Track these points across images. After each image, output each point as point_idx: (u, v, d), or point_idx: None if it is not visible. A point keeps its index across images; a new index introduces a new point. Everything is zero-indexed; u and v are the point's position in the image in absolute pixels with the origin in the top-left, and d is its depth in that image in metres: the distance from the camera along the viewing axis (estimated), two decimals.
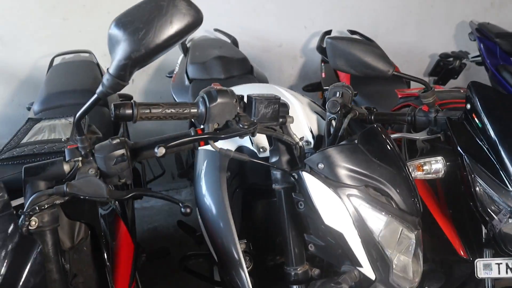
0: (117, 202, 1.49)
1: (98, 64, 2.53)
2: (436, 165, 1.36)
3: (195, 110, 1.05)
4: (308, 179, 1.10)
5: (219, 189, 1.36)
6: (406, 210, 1.12)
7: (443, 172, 1.37)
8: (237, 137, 1.38)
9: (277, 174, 1.20)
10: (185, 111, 1.05)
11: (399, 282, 1.15)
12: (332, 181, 1.08)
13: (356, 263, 1.10)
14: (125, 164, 1.05)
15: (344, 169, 1.09)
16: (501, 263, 1.36)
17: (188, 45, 2.65)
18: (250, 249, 1.43)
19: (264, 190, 1.37)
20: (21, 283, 0.92)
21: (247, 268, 1.40)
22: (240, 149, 1.40)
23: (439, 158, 1.36)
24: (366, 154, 1.12)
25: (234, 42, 2.79)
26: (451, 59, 2.99)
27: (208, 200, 1.41)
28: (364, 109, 1.60)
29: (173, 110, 1.04)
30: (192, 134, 1.08)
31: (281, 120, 1.13)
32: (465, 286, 1.79)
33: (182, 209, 1.04)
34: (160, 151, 1.00)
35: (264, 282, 1.45)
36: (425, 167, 1.36)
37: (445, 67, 3.02)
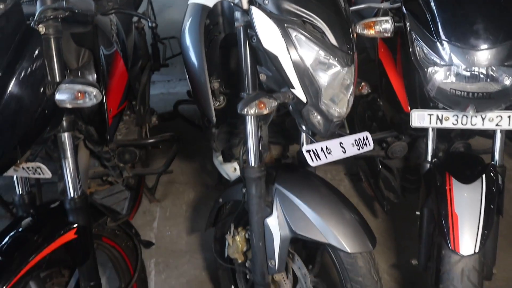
0: (118, 45, 1.79)
1: None
2: (385, 25, 1.54)
3: None
4: (255, 12, 1.32)
5: (197, 34, 1.62)
6: (338, 46, 1.33)
7: (391, 31, 1.54)
8: None
9: (238, 13, 1.43)
10: None
11: (329, 109, 1.39)
12: (274, 14, 1.30)
13: (290, 85, 1.34)
14: None
15: (285, 5, 1.30)
16: (432, 114, 1.55)
17: None
18: (223, 88, 1.71)
19: None
20: (23, 64, 1.22)
21: (220, 104, 1.69)
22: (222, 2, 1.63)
23: (388, 18, 1.53)
24: None
25: None
26: None
27: (189, 48, 1.67)
28: None
29: None
30: None
31: None
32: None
33: (149, 23, 1.32)
34: None
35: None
36: (375, 27, 1.54)
37: None
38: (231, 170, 2.13)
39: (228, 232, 1.68)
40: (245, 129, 1.46)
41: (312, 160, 1.38)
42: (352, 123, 2.44)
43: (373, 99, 2.18)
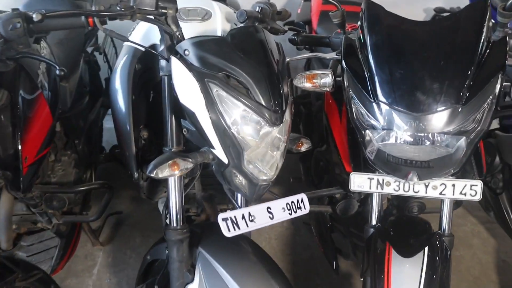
0: (46, 87, 1.66)
1: None
2: (325, 79, 1.43)
3: None
4: (175, 63, 1.21)
5: (126, 78, 1.51)
6: (264, 104, 1.21)
7: (331, 86, 1.44)
8: (152, 37, 1.53)
9: (163, 62, 1.32)
10: None
11: (253, 172, 1.26)
12: (194, 67, 1.19)
13: (209, 144, 1.22)
14: (21, 31, 1.20)
15: (207, 57, 1.19)
16: (373, 178, 1.43)
17: None
18: (154, 138, 1.59)
19: None
20: None
21: (150, 153, 1.57)
22: (153, 47, 1.52)
23: (328, 71, 1.43)
24: (231, 47, 1.22)
25: None
26: (446, 14, 2.93)
27: (117, 91, 1.56)
28: (289, 29, 1.68)
29: None
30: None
31: (161, 10, 1.23)
32: None
33: (57, 71, 1.20)
34: (37, 16, 1.15)
35: None
36: (315, 80, 1.44)
37: None
38: None
39: None
40: (167, 189, 1.33)
41: (229, 230, 1.24)
42: (308, 169, 2.32)
43: (326, 150, 2.06)
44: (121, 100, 1.50)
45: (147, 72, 1.56)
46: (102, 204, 1.86)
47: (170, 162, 1.19)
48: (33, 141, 1.49)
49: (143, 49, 1.51)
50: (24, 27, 1.20)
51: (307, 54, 1.60)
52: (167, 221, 1.38)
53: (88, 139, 2.26)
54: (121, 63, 1.57)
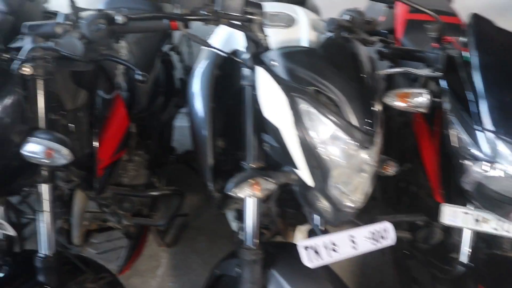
0: (122, 88, 1.64)
1: None
2: (419, 98, 1.29)
3: None
4: (261, 73, 1.13)
5: (207, 83, 1.45)
6: (355, 125, 1.10)
7: (427, 106, 1.29)
8: (233, 42, 1.46)
9: (245, 70, 1.24)
10: None
11: (339, 196, 1.16)
12: (282, 79, 1.10)
13: (293, 164, 1.13)
14: (104, 33, 1.17)
15: (296, 70, 1.10)
16: (468, 213, 1.27)
17: None
18: (230, 148, 1.52)
19: None
20: None
21: (225, 163, 1.50)
22: (234, 53, 1.45)
23: (425, 91, 1.28)
24: (323, 59, 1.12)
25: None
26: None
27: (195, 95, 1.50)
28: (379, 41, 1.55)
29: None
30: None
31: (247, 16, 1.15)
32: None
33: (136, 75, 1.15)
34: (122, 19, 1.11)
35: None
36: (408, 99, 1.30)
37: None
38: None
39: None
40: (243, 207, 1.25)
41: (311, 261, 1.14)
42: (386, 188, 2.17)
43: (410, 171, 1.90)
44: (199, 106, 1.44)
45: (225, 79, 1.50)
46: (172, 209, 1.83)
47: (251, 181, 1.11)
48: (109, 142, 1.48)
49: (225, 55, 1.44)
50: (107, 28, 1.17)
51: (399, 69, 1.46)
52: (241, 237, 1.31)
53: (160, 139, 2.24)
54: (201, 67, 1.51)
